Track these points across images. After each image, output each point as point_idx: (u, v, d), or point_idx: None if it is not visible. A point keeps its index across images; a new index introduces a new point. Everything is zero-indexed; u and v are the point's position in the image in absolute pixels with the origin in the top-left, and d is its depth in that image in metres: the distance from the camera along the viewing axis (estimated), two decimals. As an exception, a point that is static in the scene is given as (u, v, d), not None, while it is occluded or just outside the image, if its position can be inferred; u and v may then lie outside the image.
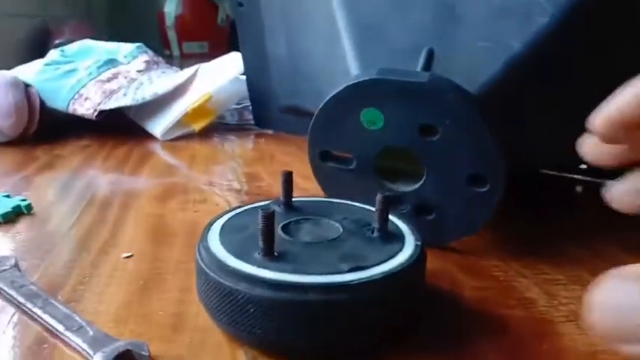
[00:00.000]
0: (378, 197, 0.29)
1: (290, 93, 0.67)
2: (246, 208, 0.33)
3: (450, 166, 0.34)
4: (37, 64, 0.77)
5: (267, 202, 0.34)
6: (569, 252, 0.39)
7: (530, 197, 0.51)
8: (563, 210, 0.49)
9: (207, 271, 0.27)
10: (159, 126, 0.72)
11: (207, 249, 0.28)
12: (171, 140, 0.73)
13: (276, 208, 0.32)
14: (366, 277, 0.25)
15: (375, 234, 0.29)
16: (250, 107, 0.75)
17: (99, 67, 0.74)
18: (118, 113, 0.73)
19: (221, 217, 0.32)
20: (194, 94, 0.73)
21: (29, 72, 0.75)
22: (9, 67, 0.78)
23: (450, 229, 0.36)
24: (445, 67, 0.36)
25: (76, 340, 0.27)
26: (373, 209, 0.29)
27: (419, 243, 0.29)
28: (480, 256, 0.38)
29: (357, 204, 0.34)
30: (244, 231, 0.30)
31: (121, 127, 0.75)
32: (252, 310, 0.25)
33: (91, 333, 0.28)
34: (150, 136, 0.73)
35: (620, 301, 0.17)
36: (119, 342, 0.27)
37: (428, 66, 0.36)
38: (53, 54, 0.78)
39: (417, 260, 0.27)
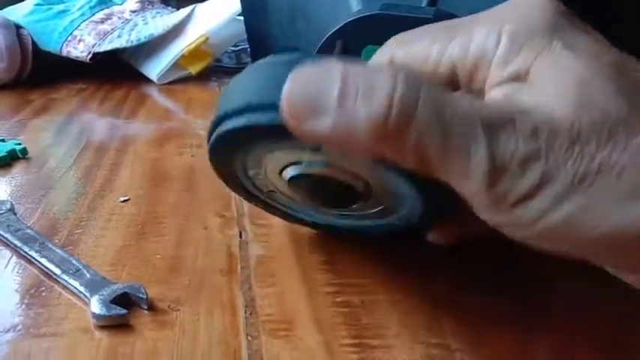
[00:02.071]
0: None
1: (289, 34, 0.65)
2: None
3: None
4: (27, 4, 0.74)
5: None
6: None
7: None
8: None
9: None
10: (155, 69, 0.70)
11: None
12: (168, 83, 0.71)
13: None
14: None
15: None
16: (248, 49, 0.73)
17: (92, 8, 0.72)
18: (113, 55, 0.71)
19: None
20: (190, 35, 0.70)
21: (19, 13, 0.72)
22: (-1, 8, 0.75)
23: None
24: (451, 2, 0.34)
25: (74, 283, 0.27)
26: None
27: None
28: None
29: None
30: None
31: (116, 70, 0.73)
32: None
33: (88, 276, 0.28)
34: (146, 79, 0.72)
35: (312, 77, 0.19)
36: (116, 284, 0.27)
37: (433, 1, 0.35)
38: (43, -7, 0.75)
39: None
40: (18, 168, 0.43)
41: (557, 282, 0.28)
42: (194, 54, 0.70)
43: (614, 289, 0.22)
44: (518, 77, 0.21)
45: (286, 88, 0.19)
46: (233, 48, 0.80)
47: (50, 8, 0.72)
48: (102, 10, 0.72)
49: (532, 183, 0.18)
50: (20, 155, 0.44)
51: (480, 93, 0.23)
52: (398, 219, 0.26)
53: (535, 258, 0.30)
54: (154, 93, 0.68)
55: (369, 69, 0.20)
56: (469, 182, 0.19)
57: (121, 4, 0.75)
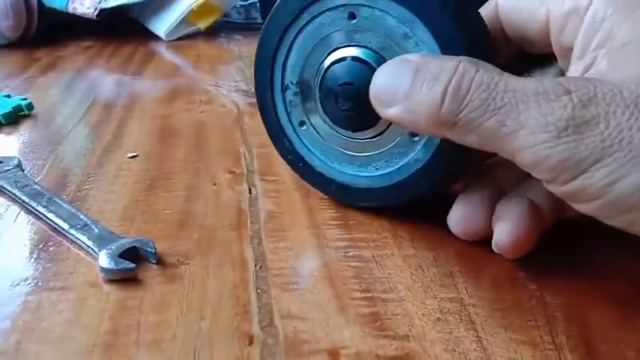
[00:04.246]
0: None
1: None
2: None
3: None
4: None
5: None
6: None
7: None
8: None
9: None
10: (162, 25, 0.69)
11: None
12: (176, 40, 0.70)
13: None
14: None
15: None
16: (257, 4, 0.71)
17: (97, -38, 0.70)
18: (120, 12, 0.70)
19: None
20: (198, -10, 0.69)
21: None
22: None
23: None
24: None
25: (82, 237, 0.27)
26: None
27: None
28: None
29: None
30: None
31: (123, 27, 0.72)
32: None
33: (96, 231, 0.27)
34: (154, 36, 0.70)
35: (392, 70, 0.24)
36: (124, 239, 0.26)
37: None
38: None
39: None
40: (25, 125, 0.42)
41: (578, 240, 0.28)
42: (203, 9, 0.69)
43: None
44: (604, 41, 0.22)
45: (372, 80, 0.24)
46: (242, 2, 0.78)
47: (54, -37, 0.70)
48: (108, -36, 0.70)
49: (593, 149, 0.18)
50: (26, 110, 0.43)
51: (568, 50, 0.24)
52: (424, 147, 0.26)
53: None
54: (162, 49, 0.67)
55: (440, 59, 0.22)
56: (527, 154, 0.20)
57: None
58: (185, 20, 0.69)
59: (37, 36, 0.68)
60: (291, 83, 0.29)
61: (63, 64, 0.60)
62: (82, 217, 0.28)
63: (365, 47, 0.26)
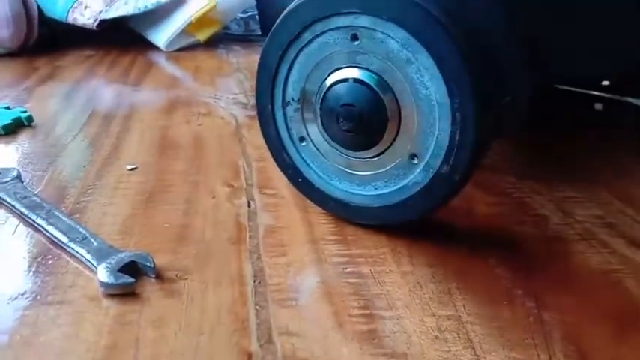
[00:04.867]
0: None
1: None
2: None
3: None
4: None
5: None
6: (589, 169, 0.38)
7: (551, 113, 0.49)
8: (584, 127, 0.47)
9: None
10: (162, 36, 0.69)
11: None
12: (175, 51, 0.70)
13: None
14: None
15: None
16: (257, 16, 0.72)
17: (98, -27, 0.71)
18: (121, 23, 0.70)
19: None
20: (198, 2, 0.69)
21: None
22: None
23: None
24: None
25: (81, 250, 0.27)
26: None
27: None
28: (492, 171, 0.36)
29: None
30: None
31: (123, 37, 0.72)
32: None
33: (95, 244, 0.27)
34: (153, 45, 0.71)
35: None
36: (124, 253, 0.26)
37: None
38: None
39: None
40: (24, 136, 0.42)
41: (570, 256, 0.28)
42: (202, 21, 0.69)
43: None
44: None
45: None
46: (242, 15, 0.79)
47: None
48: (108, -25, 0.71)
49: None
50: (26, 123, 0.44)
51: None
52: (423, 170, 0.26)
53: (543, 232, 0.29)
54: (162, 60, 0.68)
55: None
56: None
57: (128, -31, 0.74)
58: (184, 32, 0.69)
59: (37, 45, 0.68)
60: (292, 99, 0.29)
61: (63, 73, 0.60)
62: (81, 229, 0.28)
63: (367, 69, 0.26)
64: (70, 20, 0.68)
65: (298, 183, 0.31)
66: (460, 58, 0.24)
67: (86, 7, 0.68)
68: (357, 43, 0.26)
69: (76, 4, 0.68)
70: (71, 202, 0.32)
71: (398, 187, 0.28)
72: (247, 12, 0.77)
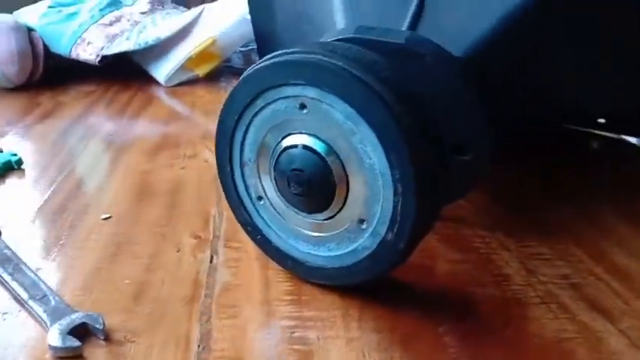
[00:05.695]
0: None
1: (295, 37, 0.64)
2: None
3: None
4: (41, 5, 0.76)
5: None
6: (563, 217, 0.37)
7: (538, 154, 0.48)
8: (575, 167, 0.46)
9: None
10: (162, 71, 0.70)
11: None
12: (176, 85, 0.71)
13: None
14: None
15: None
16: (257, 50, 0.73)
17: (101, 10, 0.73)
18: (123, 57, 0.72)
19: None
20: (198, 37, 0.71)
21: (32, 15, 0.74)
22: (10, 10, 0.76)
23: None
24: (435, 23, 0.33)
25: (38, 309, 0.27)
26: None
27: None
28: (463, 223, 0.36)
29: None
30: None
31: (126, 71, 0.74)
32: None
33: (53, 303, 0.28)
34: (155, 79, 0.72)
35: None
36: (76, 314, 0.27)
37: (414, 24, 0.33)
38: (57, -5, 0.76)
39: None
40: (12, 180, 0.43)
41: (526, 322, 0.27)
42: (201, 56, 0.71)
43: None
44: None
45: None
46: (242, 48, 0.80)
47: (61, 10, 0.73)
48: (112, 12, 0.73)
49: None
50: (15, 167, 0.45)
51: None
52: (371, 236, 0.26)
53: (503, 294, 0.29)
54: (162, 94, 0.69)
55: None
56: None
57: (132, 4, 0.76)
58: (184, 67, 0.70)
59: (41, 80, 0.70)
60: (250, 160, 0.30)
61: (63, 110, 0.62)
62: (42, 286, 0.29)
63: (315, 136, 0.27)
64: (74, 56, 0.70)
65: (257, 240, 0.31)
66: (398, 131, 0.24)
67: (88, 43, 0.69)
68: (305, 111, 0.27)
69: (79, 41, 0.70)
70: (41, 254, 0.33)
71: (349, 249, 0.28)
72: (248, 45, 0.79)
